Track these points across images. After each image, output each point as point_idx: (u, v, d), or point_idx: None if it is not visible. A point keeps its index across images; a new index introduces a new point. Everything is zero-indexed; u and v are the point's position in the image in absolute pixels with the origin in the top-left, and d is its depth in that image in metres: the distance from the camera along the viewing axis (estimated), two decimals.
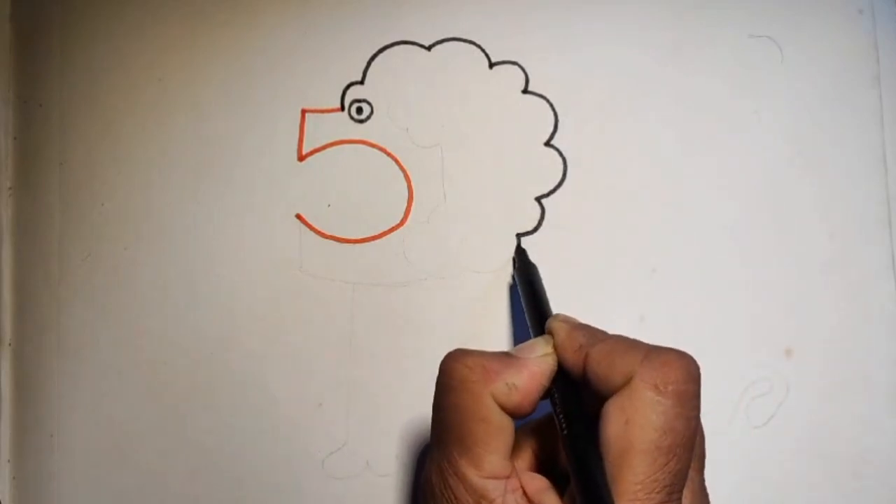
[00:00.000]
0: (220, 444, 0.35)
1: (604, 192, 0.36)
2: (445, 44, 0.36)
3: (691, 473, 0.26)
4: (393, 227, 0.36)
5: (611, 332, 0.35)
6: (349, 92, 0.36)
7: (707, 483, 0.34)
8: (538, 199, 0.36)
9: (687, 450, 0.24)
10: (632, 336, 0.34)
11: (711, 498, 0.34)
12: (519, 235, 0.35)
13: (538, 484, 0.26)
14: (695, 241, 0.36)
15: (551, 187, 0.36)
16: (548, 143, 0.36)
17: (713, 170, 0.36)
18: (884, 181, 0.36)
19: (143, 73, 0.37)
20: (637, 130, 0.36)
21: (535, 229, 0.36)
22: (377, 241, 0.36)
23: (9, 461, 0.36)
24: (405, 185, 0.36)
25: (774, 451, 0.35)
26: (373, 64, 0.36)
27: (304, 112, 0.36)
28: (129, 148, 0.37)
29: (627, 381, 0.24)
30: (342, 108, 0.36)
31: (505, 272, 0.35)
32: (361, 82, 0.36)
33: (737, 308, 0.35)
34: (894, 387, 0.35)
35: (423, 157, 0.36)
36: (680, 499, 0.24)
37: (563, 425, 0.26)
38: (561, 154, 0.36)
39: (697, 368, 0.25)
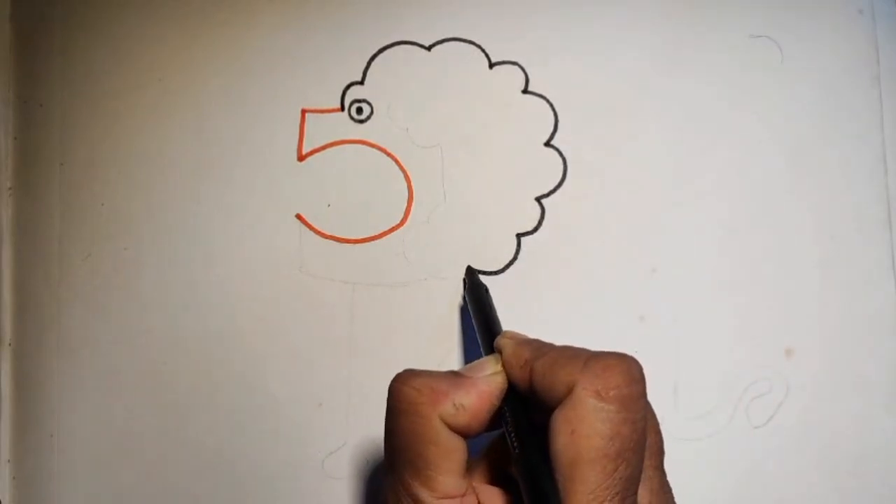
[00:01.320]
0: (220, 444, 0.35)
1: (604, 192, 0.36)
2: (445, 44, 0.36)
3: (649, 472, 0.26)
4: (393, 227, 0.36)
5: (611, 333, 0.35)
6: (349, 92, 0.36)
7: (707, 483, 0.34)
8: (538, 199, 0.36)
9: (636, 453, 0.24)
10: (632, 336, 0.35)
11: (713, 498, 0.35)
12: (519, 235, 0.35)
13: (495, 499, 0.26)
14: (695, 240, 0.36)
15: (551, 187, 0.36)
16: (548, 143, 0.36)
17: (713, 170, 0.36)
18: (884, 181, 0.36)
19: (144, 74, 0.37)
20: (637, 130, 0.36)
21: (535, 229, 0.36)
22: (377, 241, 0.36)
23: (9, 461, 0.36)
24: (405, 185, 0.36)
25: (774, 451, 0.35)
26: (373, 64, 0.36)
27: (304, 112, 0.36)
28: (129, 148, 0.37)
29: (570, 391, 0.24)
30: (342, 108, 0.36)
31: (509, 272, 0.35)
32: (361, 82, 0.36)
33: (737, 308, 0.35)
34: (894, 387, 0.35)
35: (423, 157, 0.36)
36: (634, 500, 0.24)
37: (514, 444, 0.26)
38: (561, 154, 0.36)
39: (640, 369, 0.25)
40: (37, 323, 0.36)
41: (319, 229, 0.36)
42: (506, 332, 0.29)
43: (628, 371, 0.24)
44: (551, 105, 0.36)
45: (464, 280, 0.35)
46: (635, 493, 0.24)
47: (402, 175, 0.36)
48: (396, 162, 0.36)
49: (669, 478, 0.35)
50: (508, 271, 0.35)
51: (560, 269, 0.35)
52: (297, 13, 0.37)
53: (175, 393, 0.36)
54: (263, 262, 0.36)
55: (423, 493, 0.26)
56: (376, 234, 0.36)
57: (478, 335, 0.32)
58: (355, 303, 0.35)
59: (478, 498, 0.26)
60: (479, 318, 0.32)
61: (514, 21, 0.36)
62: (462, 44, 0.36)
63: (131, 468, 0.35)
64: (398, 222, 0.36)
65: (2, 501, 0.36)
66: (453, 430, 0.26)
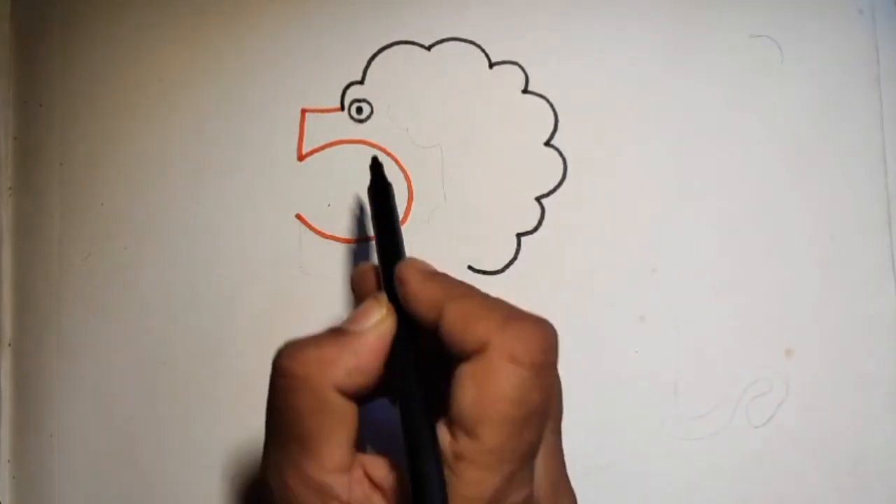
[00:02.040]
0: (220, 444, 0.35)
1: (604, 191, 0.36)
2: (445, 44, 0.36)
3: (546, 434, 0.25)
4: None
5: (611, 333, 0.35)
6: (349, 92, 0.36)
7: (707, 482, 0.34)
8: (538, 199, 0.36)
9: (542, 419, 0.24)
10: (632, 336, 0.35)
11: (713, 498, 0.35)
12: (519, 235, 0.36)
13: (382, 466, 0.25)
14: (695, 240, 0.36)
15: (551, 187, 0.36)
16: (548, 143, 0.36)
17: (713, 169, 0.36)
18: (884, 181, 0.36)
19: (144, 73, 0.37)
20: (637, 130, 0.36)
21: (535, 229, 0.36)
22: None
23: (9, 461, 0.36)
24: (405, 185, 0.36)
25: (774, 451, 0.35)
26: (373, 64, 0.36)
27: (304, 112, 0.36)
28: (129, 148, 0.37)
29: (483, 348, 0.23)
30: (342, 108, 0.36)
31: (509, 272, 0.35)
32: (361, 82, 0.36)
33: (737, 308, 0.35)
34: (894, 386, 0.35)
35: (423, 157, 0.36)
36: (532, 466, 0.24)
37: (398, 391, 0.25)
38: (561, 154, 0.36)
39: (556, 337, 0.24)
40: (37, 323, 0.36)
41: (319, 229, 0.36)
42: (409, 259, 0.27)
43: (545, 338, 0.24)
44: (551, 105, 0.36)
45: (370, 167, 0.32)
46: (534, 457, 0.24)
47: (402, 175, 0.36)
48: (396, 162, 0.36)
49: (669, 477, 0.35)
50: (508, 271, 0.35)
51: (560, 269, 0.35)
52: (297, 13, 0.37)
53: (175, 393, 0.36)
54: (263, 262, 0.36)
55: (314, 470, 0.24)
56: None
57: (376, 248, 0.29)
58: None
59: (364, 468, 0.25)
60: (381, 231, 0.29)
61: (514, 21, 0.36)
62: (462, 43, 0.36)
63: (131, 468, 0.35)
64: None
65: (2, 501, 0.36)
66: (347, 395, 0.24)
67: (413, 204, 0.36)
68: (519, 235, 0.36)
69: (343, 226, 0.36)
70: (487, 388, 0.23)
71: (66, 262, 0.36)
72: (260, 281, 0.36)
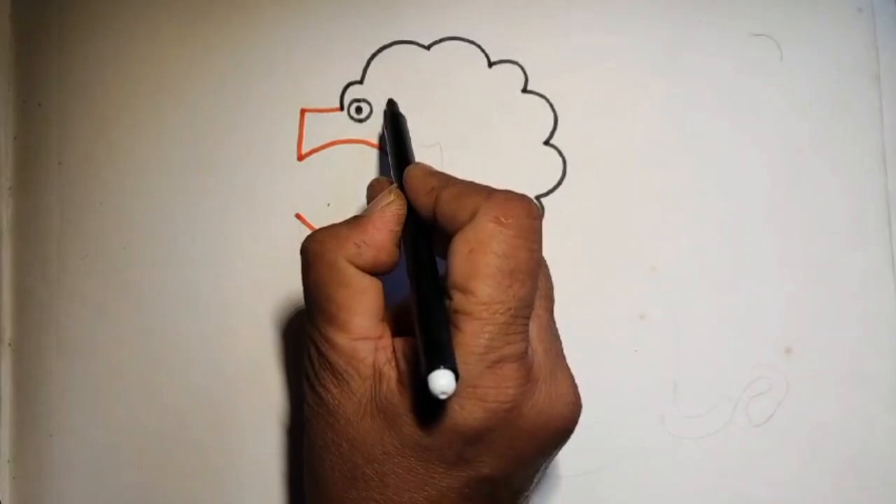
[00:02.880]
0: (219, 444, 0.35)
1: (603, 191, 0.36)
2: (444, 43, 0.36)
3: (538, 311, 0.27)
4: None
5: (611, 332, 0.35)
6: (348, 91, 0.36)
7: (707, 481, 0.34)
8: (538, 198, 0.36)
9: (530, 277, 0.25)
10: (632, 335, 0.35)
11: (713, 497, 0.35)
12: None
13: (405, 340, 0.27)
14: (694, 239, 0.36)
15: (551, 186, 0.36)
16: (547, 143, 0.36)
17: (712, 169, 0.36)
18: (883, 180, 0.36)
19: (142, 73, 0.37)
20: (636, 129, 0.36)
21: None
22: None
23: (9, 461, 0.36)
24: None
25: (774, 450, 0.35)
26: (372, 63, 0.36)
27: (303, 112, 0.36)
28: (128, 147, 0.37)
29: (472, 216, 0.26)
30: (341, 108, 0.36)
31: None
32: (361, 82, 0.36)
33: (737, 307, 0.35)
34: (893, 385, 0.35)
35: (422, 156, 0.36)
36: (526, 325, 0.26)
37: (409, 265, 0.27)
38: (560, 153, 0.36)
39: (538, 209, 0.27)
40: (37, 323, 0.36)
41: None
42: (417, 163, 0.30)
43: (527, 205, 0.26)
44: (551, 104, 0.36)
45: (384, 112, 0.35)
46: (527, 317, 0.26)
47: None
48: None
49: (669, 476, 0.35)
50: None
51: (560, 268, 0.35)
52: (297, 13, 0.36)
53: (175, 393, 0.36)
54: (263, 262, 0.36)
55: (340, 336, 0.26)
56: None
57: (391, 165, 0.32)
58: None
59: (391, 341, 0.27)
60: (394, 149, 0.32)
61: (513, 20, 0.36)
62: (461, 43, 0.36)
63: (131, 468, 0.35)
64: None
65: (2, 501, 0.36)
66: (362, 269, 0.27)
67: None
68: None
69: None
70: (477, 247, 0.25)
71: (65, 262, 0.36)
72: (259, 281, 0.36)
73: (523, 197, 0.26)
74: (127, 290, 0.36)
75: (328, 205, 0.36)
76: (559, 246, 0.35)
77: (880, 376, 0.35)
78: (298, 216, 0.36)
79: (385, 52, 0.36)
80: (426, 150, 0.36)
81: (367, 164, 0.36)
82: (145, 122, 0.37)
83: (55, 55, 0.37)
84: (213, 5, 0.37)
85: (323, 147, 0.36)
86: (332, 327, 0.27)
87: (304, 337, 0.28)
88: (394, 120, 0.34)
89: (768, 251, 0.36)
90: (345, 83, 0.36)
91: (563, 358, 0.28)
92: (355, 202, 0.36)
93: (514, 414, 0.25)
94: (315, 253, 0.27)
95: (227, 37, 0.37)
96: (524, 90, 0.36)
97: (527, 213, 0.26)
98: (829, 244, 0.36)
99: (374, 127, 0.36)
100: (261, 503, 0.35)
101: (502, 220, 0.25)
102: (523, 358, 0.25)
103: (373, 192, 0.31)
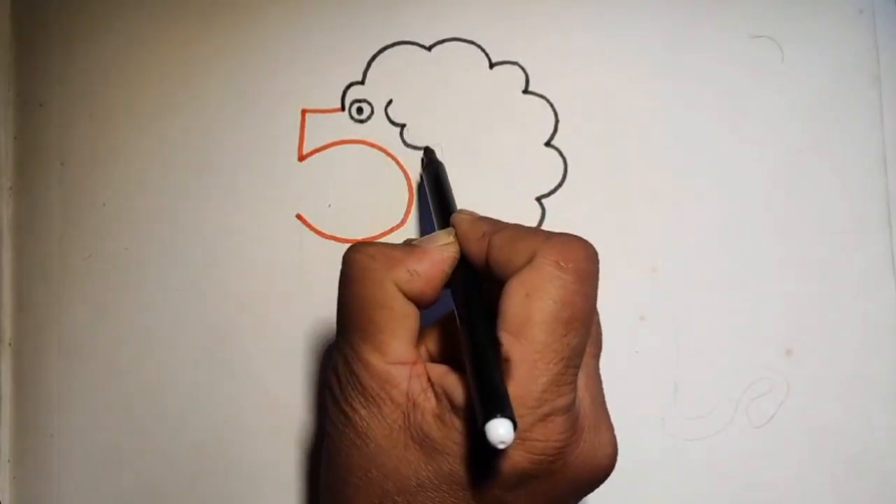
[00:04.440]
0: (219, 444, 0.35)
1: (604, 191, 0.36)
2: (446, 44, 0.36)
3: (587, 358, 0.26)
4: (393, 228, 0.36)
5: (611, 333, 0.35)
6: (349, 92, 0.36)
7: (707, 482, 0.34)
8: (538, 200, 0.36)
9: (585, 326, 0.25)
10: (632, 336, 0.35)
11: (713, 498, 0.35)
12: None
13: (439, 369, 0.26)
14: (695, 240, 0.36)
15: (552, 187, 0.36)
16: (548, 144, 0.36)
17: (713, 169, 0.36)
18: (884, 181, 0.36)
19: (144, 73, 0.37)
20: (637, 130, 0.36)
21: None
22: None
23: (9, 461, 0.36)
24: (405, 185, 0.36)
25: (775, 451, 0.35)
26: (373, 64, 0.36)
27: (304, 112, 0.36)
28: (130, 148, 0.37)
29: (529, 260, 0.25)
30: (342, 108, 0.36)
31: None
32: (362, 82, 0.36)
33: (737, 308, 0.35)
34: (894, 386, 0.35)
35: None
36: (576, 375, 0.25)
37: (462, 310, 0.26)
38: (561, 154, 0.36)
39: (596, 253, 0.26)
40: (37, 323, 0.36)
41: (320, 229, 0.36)
42: (462, 209, 0.30)
43: (587, 249, 0.26)
44: (552, 105, 0.36)
45: (421, 159, 0.35)
46: (578, 366, 0.25)
47: (402, 175, 0.36)
48: (396, 162, 0.36)
49: (670, 477, 0.35)
50: None
51: None
52: (298, 13, 0.37)
53: (175, 393, 0.36)
54: (264, 262, 0.36)
55: (375, 358, 0.26)
56: (377, 234, 0.36)
57: (433, 212, 0.32)
58: None
59: (424, 367, 0.26)
60: (435, 195, 0.32)
61: (514, 21, 0.36)
62: (462, 44, 0.36)
63: (131, 468, 0.35)
64: (398, 222, 0.36)
65: (2, 501, 0.36)
66: (407, 296, 0.26)
67: (413, 204, 0.36)
68: None
69: (343, 226, 0.36)
70: (533, 291, 0.24)
71: (66, 262, 0.36)
72: (260, 281, 0.36)
73: (582, 240, 0.26)
74: (128, 290, 0.36)
75: (329, 205, 0.36)
76: None
77: (881, 377, 0.35)
78: (299, 216, 0.36)
79: (386, 52, 0.36)
80: None
81: (367, 165, 0.36)
82: (147, 123, 0.37)
83: (57, 55, 0.37)
84: (215, 6, 0.37)
85: (324, 147, 0.36)
86: (368, 347, 0.26)
87: (334, 350, 0.28)
88: (433, 168, 0.34)
89: (769, 252, 0.36)
90: (346, 83, 0.36)
91: (605, 406, 0.27)
92: (356, 203, 0.36)
93: (558, 464, 0.25)
94: (364, 267, 0.26)
95: (229, 38, 0.37)
96: (525, 91, 0.36)
97: (586, 257, 0.25)
98: (829, 245, 0.36)
99: (375, 127, 0.36)
100: (261, 503, 0.35)
101: (562, 263, 0.25)
102: (571, 409, 0.25)
103: None
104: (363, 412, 0.26)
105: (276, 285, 0.36)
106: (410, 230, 0.36)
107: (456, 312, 0.27)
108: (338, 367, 0.27)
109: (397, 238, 0.36)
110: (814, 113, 0.36)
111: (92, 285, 0.36)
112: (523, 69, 0.36)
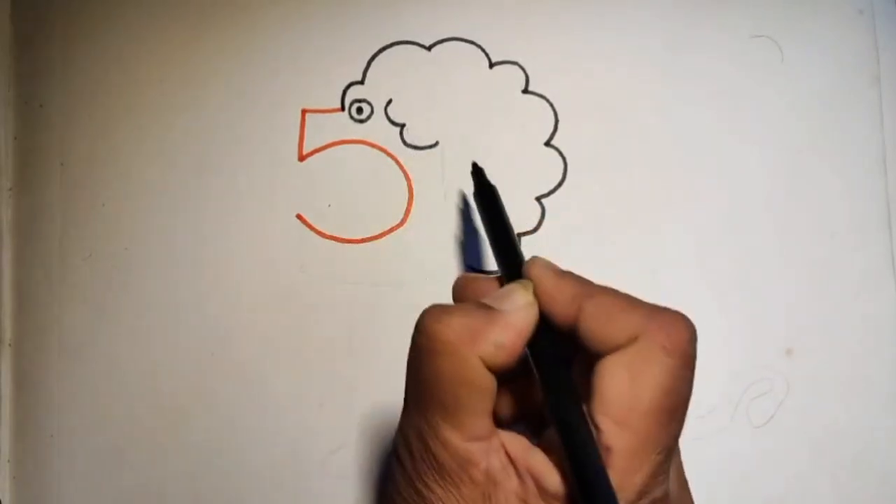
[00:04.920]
0: (220, 445, 0.35)
1: (604, 191, 0.36)
2: (445, 44, 0.36)
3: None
4: (393, 227, 0.36)
5: None
6: (349, 92, 0.36)
7: (707, 482, 0.34)
8: (538, 199, 0.36)
9: (685, 412, 0.24)
10: None
11: (714, 497, 0.35)
12: (519, 235, 0.35)
13: (520, 443, 0.25)
14: (695, 241, 0.36)
15: (551, 187, 0.36)
16: (548, 143, 0.36)
17: (713, 169, 0.36)
18: (883, 181, 0.36)
19: (144, 74, 0.37)
20: (637, 130, 0.36)
21: (536, 229, 0.36)
22: (377, 241, 0.36)
23: (9, 461, 0.36)
24: (405, 185, 0.36)
25: (775, 451, 0.35)
26: (373, 64, 0.36)
27: (304, 112, 0.36)
28: (130, 148, 0.37)
29: (632, 339, 0.23)
30: (342, 108, 0.36)
31: None
32: (362, 82, 0.36)
33: (737, 308, 0.35)
34: (894, 386, 0.35)
35: (423, 157, 0.36)
36: (671, 462, 0.24)
37: (546, 382, 0.25)
38: (561, 154, 0.36)
39: (695, 331, 0.25)
40: (37, 323, 0.36)
41: (320, 229, 0.36)
42: (535, 258, 0.27)
43: (691, 329, 0.24)
44: (551, 105, 0.36)
45: (472, 174, 0.32)
46: (674, 451, 0.24)
47: (402, 175, 0.36)
48: (396, 162, 0.36)
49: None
50: None
51: None
52: (298, 13, 0.37)
53: (175, 393, 0.36)
54: (264, 262, 0.36)
55: (454, 436, 0.24)
56: (377, 234, 0.36)
57: (492, 248, 0.29)
58: (356, 303, 0.35)
59: (501, 441, 0.25)
60: (495, 231, 0.29)
61: (514, 21, 0.36)
62: (462, 43, 0.36)
63: (131, 468, 0.35)
64: (398, 222, 0.36)
65: (2, 501, 0.36)
66: (490, 369, 0.24)
67: (413, 204, 0.36)
68: (519, 235, 0.36)
69: (343, 226, 0.36)
70: (639, 377, 0.23)
71: (66, 262, 0.36)
72: (260, 281, 0.36)
73: (687, 319, 0.24)
74: (128, 290, 0.36)
75: (329, 205, 0.36)
76: (559, 247, 0.35)
77: (881, 377, 0.35)
78: (299, 217, 0.36)
79: (386, 52, 0.36)
80: (426, 151, 0.36)
81: (367, 165, 0.36)
82: (147, 123, 0.37)
83: (57, 56, 0.37)
84: (215, 6, 0.37)
85: (324, 147, 0.36)
86: (446, 424, 0.24)
87: (404, 416, 0.26)
88: (485, 192, 0.31)
89: (769, 252, 0.36)
90: (346, 83, 0.36)
91: (688, 487, 0.26)
92: (356, 202, 0.36)
93: None
94: (446, 342, 0.24)
95: (229, 38, 0.37)
96: (525, 91, 0.36)
97: (691, 339, 0.24)
98: (829, 245, 0.36)
99: (375, 127, 0.36)
100: (260, 502, 0.35)
101: (668, 347, 0.23)
102: (668, 498, 0.24)
103: (463, 291, 0.28)
104: (440, 492, 0.24)
105: (276, 285, 0.36)
106: (410, 230, 0.36)
107: (538, 379, 0.25)
108: (410, 441, 0.25)
109: (396, 239, 0.36)
110: (814, 113, 0.36)
111: (92, 285, 0.36)
112: (523, 69, 0.36)
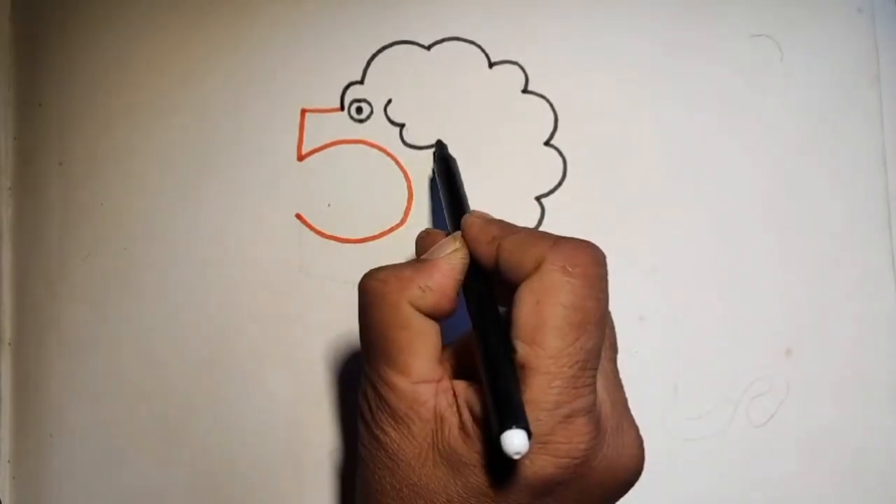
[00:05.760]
0: (219, 445, 0.35)
1: (603, 191, 0.36)
2: (445, 43, 0.36)
3: (603, 361, 0.26)
4: (393, 227, 0.36)
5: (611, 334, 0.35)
6: (349, 92, 0.36)
7: (707, 482, 0.34)
8: (538, 199, 0.36)
9: (598, 328, 0.25)
10: (632, 336, 0.35)
11: (713, 498, 0.35)
12: None
13: (464, 383, 0.26)
14: (695, 240, 0.36)
15: (551, 187, 0.36)
16: (547, 143, 0.36)
17: (713, 169, 0.36)
18: (883, 180, 0.36)
19: (144, 74, 0.37)
20: (636, 130, 0.36)
21: (535, 229, 0.36)
22: (377, 241, 0.36)
23: (9, 461, 0.36)
24: (405, 184, 0.36)
25: (774, 451, 0.35)
26: (372, 64, 0.36)
27: (303, 112, 0.36)
28: (129, 147, 0.37)
29: (538, 266, 0.25)
30: (342, 108, 0.36)
31: None
32: (361, 82, 0.36)
33: (737, 307, 0.35)
34: (894, 387, 0.35)
35: (422, 157, 0.36)
36: (594, 377, 0.25)
37: (475, 318, 0.26)
38: (561, 154, 0.36)
39: (603, 256, 0.26)
40: (37, 323, 0.36)
41: (319, 229, 0.36)
42: (473, 211, 0.30)
43: (594, 253, 0.26)
44: (551, 104, 0.36)
45: (433, 153, 0.35)
46: (595, 369, 0.25)
47: (401, 175, 0.36)
48: (396, 162, 0.36)
49: (670, 477, 0.35)
50: None
51: None
52: (297, 13, 0.36)
53: (175, 393, 0.36)
54: (263, 261, 0.36)
55: (400, 380, 0.26)
56: (376, 233, 0.36)
57: (444, 210, 0.31)
58: (355, 302, 0.35)
59: (451, 383, 0.26)
60: (447, 193, 0.32)
61: (513, 21, 0.36)
62: (462, 43, 0.36)
63: (131, 468, 0.35)
64: (398, 222, 0.36)
65: (2, 501, 0.36)
66: (424, 312, 0.26)
67: (413, 204, 0.36)
68: None
69: (343, 226, 0.36)
70: (544, 298, 0.25)
71: (66, 262, 0.36)
72: (260, 281, 0.36)
73: (589, 244, 0.26)
74: (128, 290, 0.36)
75: (328, 205, 0.36)
76: None
77: (880, 377, 0.35)
78: (299, 216, 0.36)
79: (386, 52, 0.36)
80: (426, 150, 0.36)
81: (367, 165, 0.36)
82: (146, 123, 0.37)
83: (57, 55, 0.37)
84: (215, 6, 0.37)
85: (323, 147, 0.36)
86: (392, 370, 0.26)
87: (361, 375, 0.28)
88: (444, 164, 0.33)
89: (768, 252, 0.36)
90: (345, 83, 0.36)
91: (628, 408, 0.28)
92: (356, 203, 0.36)
93: (584, 468, 0.25)
94: (377, 293, 0.27)
95: (228, 37, 0.37)
96: (524, 91, 0.36)
97: (593, 260, 0.26)
98: (829, 245, 0.36)
99: (375, 127, 0.36)
100: (260, 503, 0.35)
101: (569, 269, 0.25)
102: (592, 411, 0.25)
103: (423, 243, 0.31)
104: (394, 434, 0.26)
105: (275, 285, 0.36)
106: (410, 230, 0.36)
107: (470, 320, 0.27)
108: (367, 392, 0.27)
109: (396, 239, 0.36)
110: (813, 112, 0.36)
111: (92, 285, 0.36)
112: (523, 69, 0.36)
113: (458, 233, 0.29)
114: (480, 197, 0.36)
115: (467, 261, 0.28)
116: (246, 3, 0.37)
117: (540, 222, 0.36)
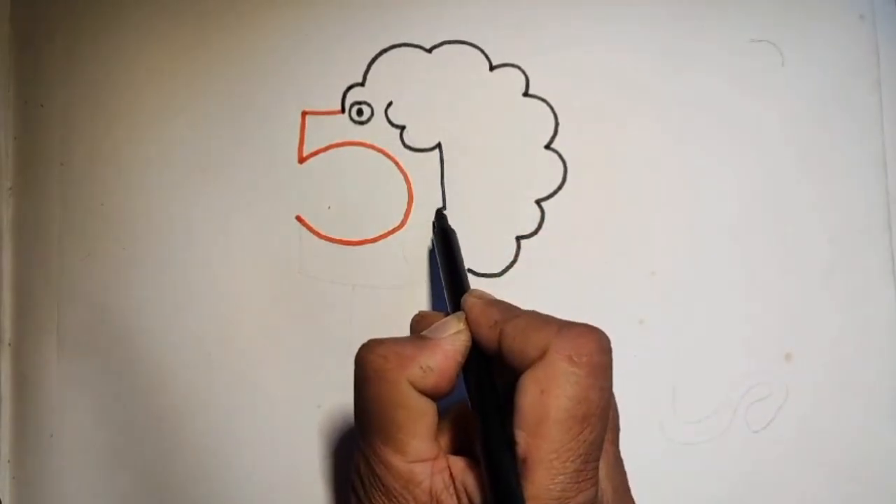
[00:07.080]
0: (219, 445, 0.35)
1: (604, 195, 0.36)
2: (446, 46, 0.36)
3: (606, 446, 0.26)
4: (393, 230, 0.36)
5: (610, 334, 0.35)
6: (350, 94, 0.36)
7: (706, 487, 0.34)
8: (538, 202, 0.36)
9: (601, 420, 0.25)
10: (631, 340, 0.35)
11: (712, 502, 0.35)
12: (519, 238, 0.36)
13: (461, 464, 0.26)
14: (694, 244, 0.36)
15: (551, 190, 0.36)
16: (548, 146, 0.36)
17: (713, 173, 0.36)
18: (884, 186, 0.36)
19: (144, 74, 0.37)
20: (637, 134, 0.36)
21: (535, 232, 0.36)
22: (377, 243, 0.36)
23: (9, 461, 0.36)
24: (405, 187, 0.36)
25: (773, 455, 0.35)
26: (373, 66, 0.36)
27: (304, 114, 0.36)
28: (129, 148, 0.37)
29: (542, 354, 0.25)
30: (343, 110, 0.36)
31: (508, 275, 0.35)
32: (362, 84, 0.36)
33: (736, 312, 0.35)
34: (893, 392, 0.35)
35: (423, 159, 0.36)
36: (596, 468, 0.25)
37: (476, 404, 0.26)
38: (561, 157, 0.36)
39: (608, 342, 0.26)
40: (37, 323, 0.36)
41: (319, 231, 0.36)
42: (473, 290, 0.29)
43: (599, 341, 0.25)
44: (552, 108, 0.36)
45: (433, 223, 0.35)
46: (597, 460, 0.25)
47: (401, 177, 0.36)
48: (396, 164, 0.36)
49: (669, 483, 0.35)
50: (508, 274, 0.35)
51: (559, 273, 0.35)
52: (298, 15, 0.36)
53: (174, 393, 0.36)
54: (263, 263, 0.36)
55: (395, 459, 0.26)
56: (376, 236, 0.36)
57: (444, 285, 0.31)
58: (355, 304, 0.35)
59: (447, 462, 0.26)
60: (447, 270, 0.32)
61: (514, 23, 0.36)
62: (463, 46, 0.36)
63: (131, 468, 0.36)
64: (398, 224, 0.36)
65: (2, 501, 0.36)
66: (422, 392, 0.26)
67: (413, 206, 0.36)
68: (519, 238, 0.36)
69: (343, 228, 0.36)
70: (548, 388, 0.24)
71: (65, 262, 0.36)
72: (260, 282, 0.36)
73: (595, 331, 0.25)
74: (127, 290, 0.36)
75: (329, 207, 0.36)
76: (559, 251, 0.35)
77: (880, 382, 0.35)
78: (299, 218, 0.36)
79: (387, 54, 0.36)
80: (426, 153, 0.36)
81: (367, 167, 0.36)
82: (147, 124, 0.37)
83: (57, 56, 0.37)
84: (216, 8, 0.37)
85: (324, 149, 0.36)
86: (388, 448, 0.26)
87: (355, 450, 0.28)
88: (444, 235, 0.33)
89: (768, 256, 0.35)
90: (346, 85, 0.36)
91: (629, 490, 0.27)
92: (356, 205, 0.36)
93: None
94: (377, 368, 0.26)
95: (229, 40, 0.37)
96: (525, 94, 0.36)
97: (599, 349, 0.25)
98: (829, 249, 0.36)
99: (376, 129, 0.36)
100: (259, 502, 0.35)
101: (575, 358, 0.24)
102: (594, 503, 0.25)
103: (419, 326, 0.30)
104: None
105: (275, 286, 0.36)
106: (410, 232, 0.36)
107: (469, 404, 0.27)
108: (360, 467, 0.27)
109: (396, 240, 0.36)
110: (814, 117, 0.36)
111: (91, 286, 0.36)
112: (523, 72, 0.36)
113: (462, 314, 0.28)
114: (481, 200, 0.36)
115: (470, 343, 0.27)
116: (247, 5, 0.37)
117: (540, 226, 0.36)
